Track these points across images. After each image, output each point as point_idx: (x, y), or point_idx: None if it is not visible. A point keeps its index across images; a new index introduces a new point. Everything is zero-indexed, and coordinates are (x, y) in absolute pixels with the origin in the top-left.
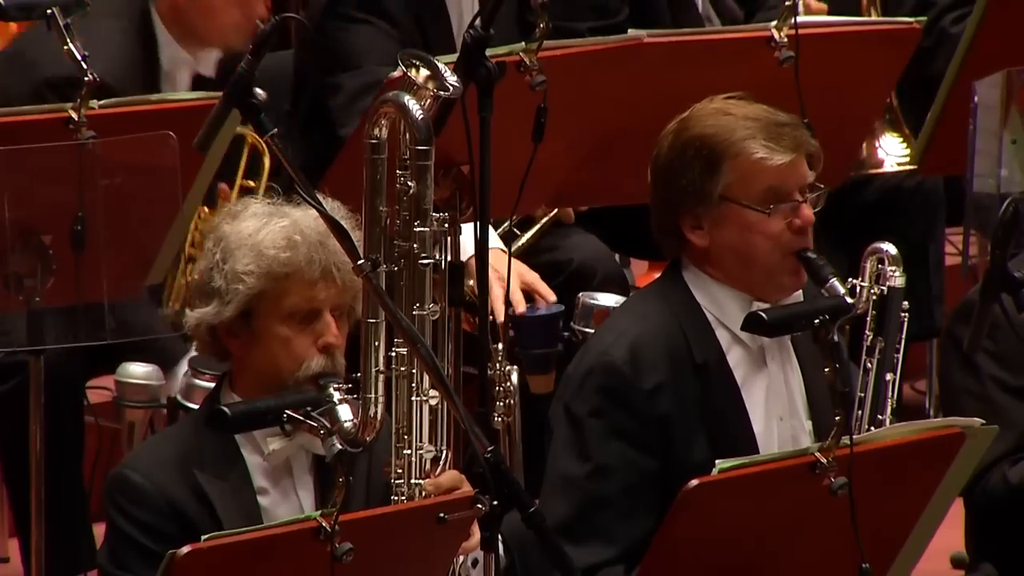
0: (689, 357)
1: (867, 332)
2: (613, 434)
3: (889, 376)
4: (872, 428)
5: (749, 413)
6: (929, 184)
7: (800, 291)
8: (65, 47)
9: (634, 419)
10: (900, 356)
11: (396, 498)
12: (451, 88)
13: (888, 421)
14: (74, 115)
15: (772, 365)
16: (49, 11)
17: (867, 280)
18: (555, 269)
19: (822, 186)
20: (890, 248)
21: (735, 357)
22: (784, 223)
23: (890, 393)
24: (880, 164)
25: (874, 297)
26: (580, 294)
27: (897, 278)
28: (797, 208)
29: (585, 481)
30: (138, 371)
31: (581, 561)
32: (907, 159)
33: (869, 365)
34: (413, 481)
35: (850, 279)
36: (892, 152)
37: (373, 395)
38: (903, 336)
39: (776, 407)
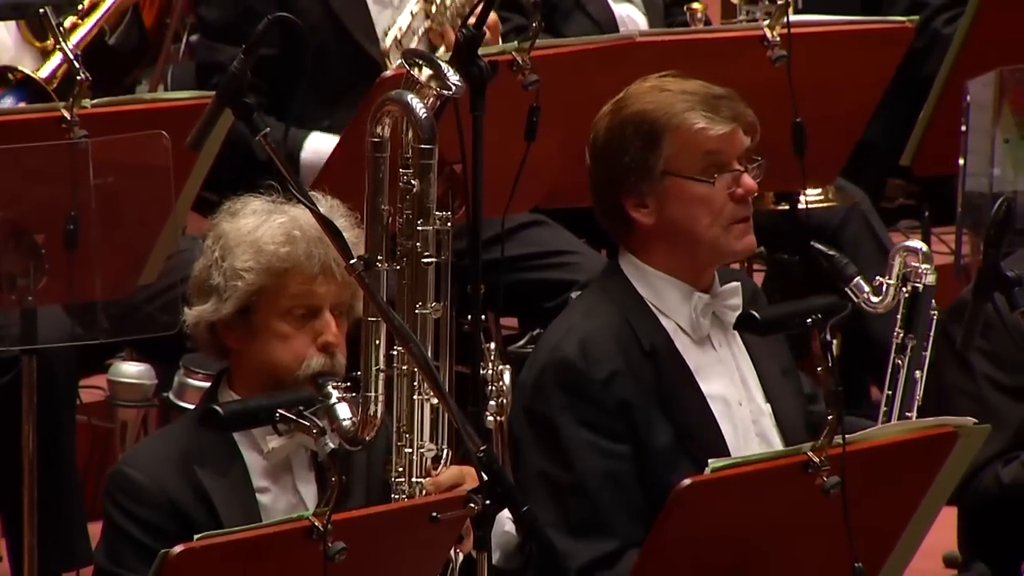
0: (638, 345)
1: (897, 330)
2: (582, 426)
3: (917, 373)
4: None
5: (707, 399)
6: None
7: (739, 284)
8: (58, 47)
9: (597, 409)
10: (928, 354)
11: (396, 496)
12: (454, 87)
13: (915, 418)
14: (67, 114)
15: (721, 351)
16: (41, 11)
17: (894, 278)
18: (559, 289)
19: (759, 158)
20: (921, 246)
21: (682, 345)
22: (726, 193)
23: (918, 391)
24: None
25: (905, 295)
26: (571, 293)
27: (928, 276)
28: (739, 177)
29: (567, 478)
30: (131, 370)
31: (583, 555)
32: (819, 197)
33: (899, 362)
34: (414, 479)
35: (877, 277)
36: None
37: (373, 393)
38: (931, 333)
39: (733, 392)
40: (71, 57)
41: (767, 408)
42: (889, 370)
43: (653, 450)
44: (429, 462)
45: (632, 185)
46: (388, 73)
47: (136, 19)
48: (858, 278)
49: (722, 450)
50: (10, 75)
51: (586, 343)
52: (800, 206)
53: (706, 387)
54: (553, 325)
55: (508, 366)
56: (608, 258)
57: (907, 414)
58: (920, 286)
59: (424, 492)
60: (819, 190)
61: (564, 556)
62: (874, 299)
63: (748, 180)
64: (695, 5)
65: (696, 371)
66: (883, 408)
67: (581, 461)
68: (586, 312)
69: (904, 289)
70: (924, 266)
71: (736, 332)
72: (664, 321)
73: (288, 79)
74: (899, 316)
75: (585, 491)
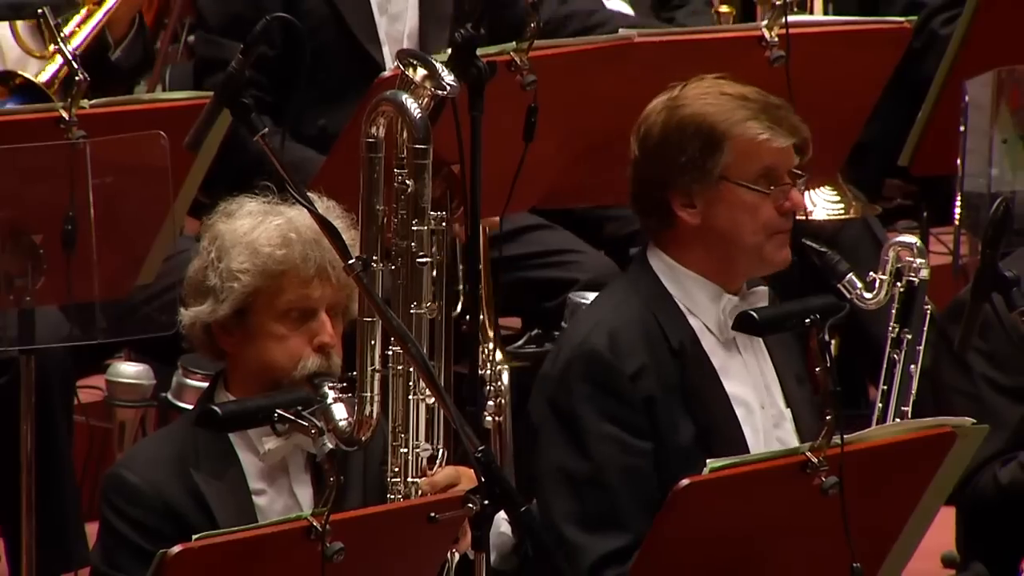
0: (665, 341)
1: (892, 324)
2: (605, 420)
3: (912, 368)
4: (898, 420)
5: (730, 399)
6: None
7: (766, 288)
8: (55, 46)
9: (622, 403)
10: (922, 348)
11: (392, 496)
12: (448, 87)
13: (910, 413)
14: (65, 114)
15: (746, 355)
16: (40, 11)
17: (887, 274)
18: (560, 288)
19: (802, 173)
20: (914, 240)
21: (708, 345)
22: (774, 205)
23: (913, 386)
24: (808, 213)
25: (900, 290)
26: (569, 293)
27: (923, 271)
28: (788, 191)
29: (585, 470)
30: (129, 370)
31: (598, 549)
32: (840, 210)
33: (896, 357)
34: (409, 479)
35: (870, 273)
36: (820, 203)
37: (369, 394)
38: (925, 328)
39: (755, 396)
40: (69, 57)
41: (787, 413)
42: (884, 365)
43: (674, 448)
44: (425, 462)
45: (685, 184)
46: (385, 74)
47: (140, 34)
48: (850, 274)
49: (742, 452)
50: (12, 80)
51: (615, 336)
52: (821, 217)
53: (730, 388)
54: (579, 318)
55: (506, 366)
56: (608, 258)
57: (903, 408)
58: (915, 280)
59: (420, 492)
60: (838, 200)
61: (576, 550)
62: (867, 295)
63: (797, 195)
64: (723, 8)
65: (721, 372)
66: (878, 404)
67: (601, 454)
68: (614, 306)
69: (899, 284)
70: (918, 260)
71: (760, 337)
72: (692, 320)
73: (288, 78)
74: (894, 311)
75: (602, 484)
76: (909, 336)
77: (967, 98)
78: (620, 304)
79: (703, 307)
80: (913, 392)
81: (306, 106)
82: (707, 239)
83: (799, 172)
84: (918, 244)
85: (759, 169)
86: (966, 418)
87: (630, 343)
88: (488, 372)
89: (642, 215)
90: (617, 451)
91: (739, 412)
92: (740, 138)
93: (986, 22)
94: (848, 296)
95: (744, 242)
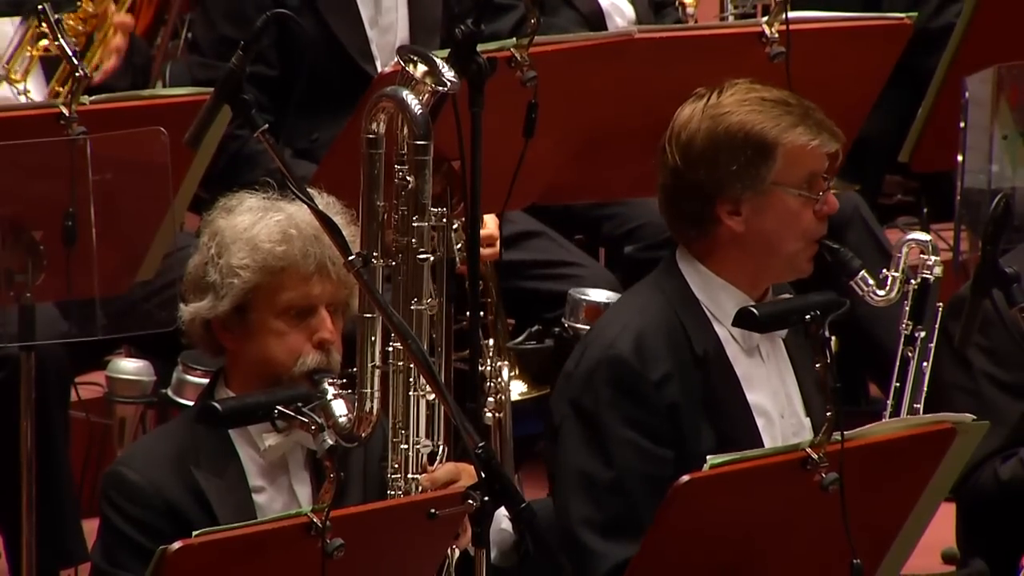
0: (689, 348)
1: (905, 322)
2: (628, 426)
3: (924, 364)
4: (910, 416)
5: (751, 408)
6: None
7: (791, 297)
8: (56, 43)
9: (646, 410)
10: (933, 345)
11: (392, 493)
12: (448, 83)
13: (922, 409)
14: (65, 111)
15: (768, 363)
16: (40, 7)
17: (899, 271)
18: (560, 301)
19: (829, 178)
20: (927, 238)
21: (732, 353)
22: (812, 210)
23: (925, 383)
24: None
25: (913, 287)
26: (570, 290)
27: (936, 268)
28: (826, 196)
29: (606, 476)
30: (129, 367)
31: (615, 556)
32: None
33: (909, 354)
34: (409, 476)
35: (883, 270)
36: None
37: (369, 390)
38: (936, 325)
39: (776, 404)
40: (69, 53)
41: (807, 422)
42: (898, 362)
43: (694, 456)
44: (425, 458)
45: (734, 192)
46: (385, 70)
47: (128, 64)
48: (863, 271)
49: None
50: None
51: (641, 341)
52: None
53: (751, 398)
54: (605, 318)
55: (506, 363)
56: (606, 265)
57: (915, 406)
58: (930, 278)
59: (420, 488)
60: None
61: (593, 555)
62: (879, 292)
63: (832, 199)
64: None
65: (743, 380)
66: (890, 401)
67: (623, 461)
68: (640, 308)
69: (912, 281)
70: (932, 258)
71: (782, 344)
72: (717, 327)
73: (285, 96)
74: (907, 308)
75: (622, 491)
76: (922, 333)
77: (967, 94)
78: (646, 307)
79: (729, 314)
80: (924, 389)
81: (300, 121)
82: (747, 246)
83: (828, 177)
84: (931, 241)
85: (805, 175)
86: (966, 414)
87: (656, 349)
88: (488, 368)
89: (676, 220)
90: (639, 458)
91: (759, 421)
92: (791, 145)
93: (986, 18)
94: (861, 293)
95: (785, 249)
